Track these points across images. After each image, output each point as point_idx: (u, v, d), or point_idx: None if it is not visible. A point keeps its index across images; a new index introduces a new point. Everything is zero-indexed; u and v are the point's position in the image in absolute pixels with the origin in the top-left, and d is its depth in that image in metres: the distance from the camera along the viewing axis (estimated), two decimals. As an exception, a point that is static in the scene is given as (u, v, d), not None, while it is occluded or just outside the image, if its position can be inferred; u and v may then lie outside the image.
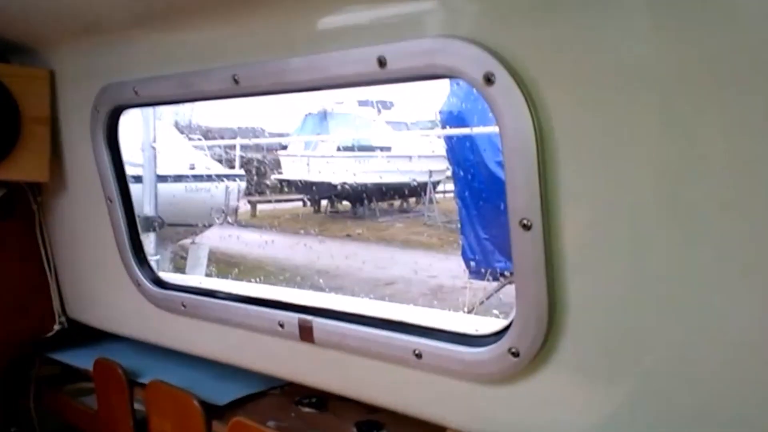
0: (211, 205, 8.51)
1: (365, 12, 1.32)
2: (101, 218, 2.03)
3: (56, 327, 2.36)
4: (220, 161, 10.05)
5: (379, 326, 1.52)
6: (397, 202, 12.21)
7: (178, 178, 8.14)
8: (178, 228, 7.84)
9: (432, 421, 1.50)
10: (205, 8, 1.51)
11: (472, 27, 1.16)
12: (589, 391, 1.24)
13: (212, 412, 1.83)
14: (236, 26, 1.53)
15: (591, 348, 1.21)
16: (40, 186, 2.27)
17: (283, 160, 12.30)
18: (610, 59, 1.05)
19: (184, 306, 1.92)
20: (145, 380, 2.01)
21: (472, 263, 6.79)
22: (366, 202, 11.45)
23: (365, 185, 10.99)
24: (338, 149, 11.86)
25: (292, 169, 12.08)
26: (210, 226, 8.55)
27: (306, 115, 12.34)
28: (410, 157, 11.01)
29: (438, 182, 11.10)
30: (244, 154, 10.75)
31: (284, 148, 12.41)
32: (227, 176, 9.21)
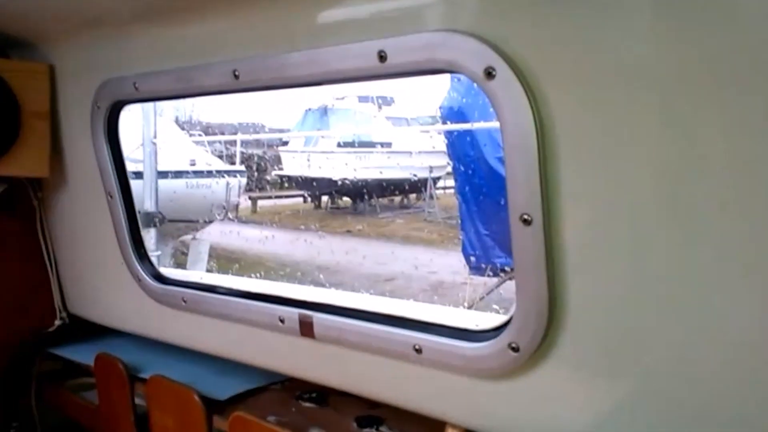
0: (211, 201, 8.52)
1: (365, 6, 1.31)
2: (102, 214, 2.03)
3: (57, 322, 2.36)
4: (220, 157, 10.06)
5: (380, 321, 1.52)
6: (397, 198, 12.22)
7: (179, 174, 8.14)
8: (178, 224, 7.85)
9: (432, 416, 1.51)
10: (205, 2, 1.51)
11: (472, 21, 1.16)
12: (589, 387, 1.24)
13: (213, 406, 1.83)
14: (236, 20, 1.52)
15: (591, 344, 1.22)
16: (40, 181, 2.27)
17: (283, 156, 12.31)
18: (611, 54, 1.04)
19: (184, 301, 1.92)
20: (145, 375, 2.01)
21: (473, 259, 6.79)
22: (366, 198, 11.45)
23: (366, 181, 10.99)
24: (338, 145, 11.85)
25: (293, 165, 12.09)
26: (211, 222, 8.57)
27: (306, 111, 12.33)
28: (410, 153, 11.01)
29: (438, 178, 11.10)
30: (244, 150, 10.76)
31: (285, 143, 12.41)
32: (228, 172, 9.21)
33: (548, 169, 1.14)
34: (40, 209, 2.31)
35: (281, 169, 12.18)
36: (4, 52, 2.08)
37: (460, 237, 6.99)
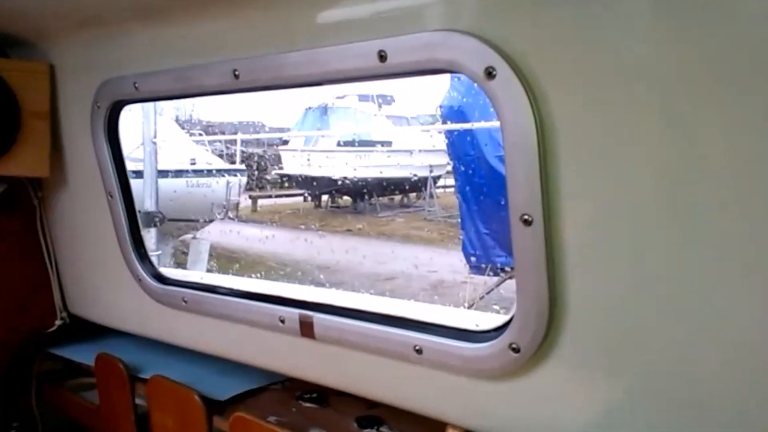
0: (212, 200, 8.52)
1: (365, 6, 1.31)
2: (102, 213, 2.03)
3: (57, 322, 2.36)
4: (221, 156, 10.06)
5: (380, 322, 1.52)
6: (397, 197, 12.22)
7: (179, 173, 8.15)
8: (179, 223, 7.86)
9: (432, 416, 1.51)
10: (206, 2, 1.51)
11: (473, 21, 1.16)
12: (590, 387, 1.24)
13: (213, 407, 1.83)
14: (236, 20, 1.52)
15: (591, 344, 1.21)
16: (40, 181, 2.26)
17: (283, 155, 12.31)
18: (611, 54, 1.04)
19: (185, 301, 1.92)
20: (146, 375, 2.01)
21: (473, 258, 6.80)
22: (366, 197, 11.46)
23: (366, 180, 10.99)
24: (339, 144, 11.85)
25: (293, 164, 12.09)
26: (211, 221, 8.57)
27: (306, 110, 12.34)
28: (411, 152, 11.01)
29: (438, 177, 11.10)
30: (244, 149, 10.76)
31: (285, 143, 12.41)
32: (228, 171, 9.22)
33: (548, 169, 1.13)
34: (41, 209, 2.31)
35: (281, 168, 12.18)
36: (4, 52, 2.08)
37: (461, 236, 7.00)
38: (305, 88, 1.54)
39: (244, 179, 9.94)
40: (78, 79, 1.96)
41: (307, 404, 1.85)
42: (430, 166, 10.81)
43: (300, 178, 11.73)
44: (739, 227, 1.00)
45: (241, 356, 1.91)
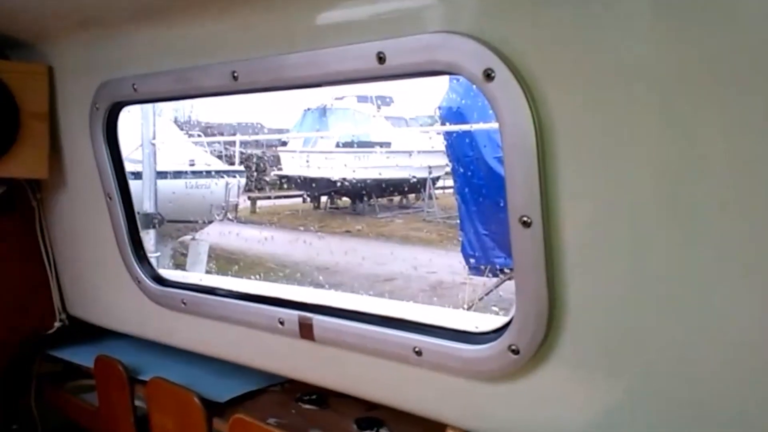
0: (210, 201, 8.52)
1: (364, 8, 1.31)
2: (101, 215, 2.03)
3: (57, 324, 2.36)
4: (219, 157, 10.06)
5: (379, 324, 1.52)
6: (396, 198, 12.22)
7: (178, 175, 8.14)
8: (178, 224, 7.85)
9: (432, 418, 1.51)
10: (204, 3, 1.51)
11: (471, 23, 1.16)
12: (589, 388, 1.24)
13: (213, 409, 1.83)
14: (235, 22, 1.52)
15: (591, 346, 1.21)
16: (39, 182, 2.26)
17: (282, 156, 12.30)
18: (610, 56, 1.04)
19: (184, 303, 1.92)
20: (145, 377, 2.01)
21: (472, 259, 6.80)
22: (365, 198, 11.46)
23: (365, 181, 10.99)
24: (337, 145, 11.85)
25: (292, 165, 12.08)
26: (210, 222, 8.56)
27: (305, 111, 12.33)
28: (410, 153, 11.00)
29: (437, 178, 11.10)
30: (243, 150, 10.76)
31: (284, 144, 12.40)
32: (227, 172, 9.21)
33: (547, 170, 1.13)
34: (40, 210, 2.31)
35: (280, 169, 12.17)
36: (3, 53, 2.08)
37: (460, 237, 7.00)
38: (304, 89, 1.54)
39: (243, 180, 9.93)
40: (77, 80, 1.96)
41: (307, 406, 1.85)
42: (429, 167, 10.81)
43: (299, 180, 11.72)
44: (739, 227, 1.00)
45: (240, 358, 1.91)
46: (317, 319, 1.62)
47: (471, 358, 1.35)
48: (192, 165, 8.59)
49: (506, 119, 1.14)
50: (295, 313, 1.66)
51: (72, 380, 2.38)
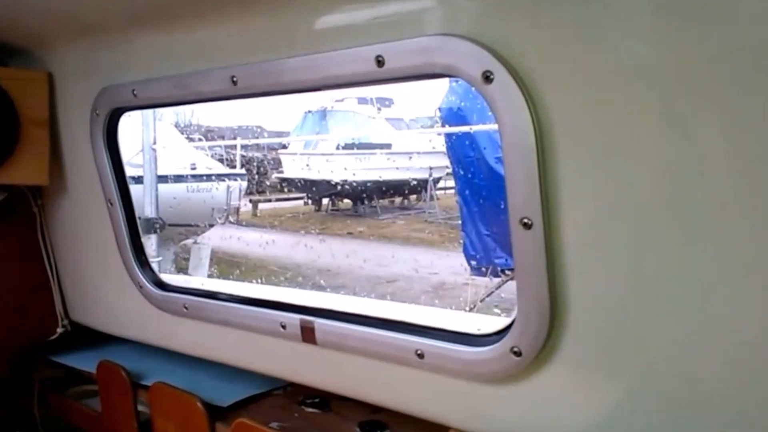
0: (212, 205, 8.52)
1: (363, 11, 1.31)
2: (102, 221, 2.03)
3: (59, 330, 2.36)
4: (221, 161, 10.06)
5: (381, 326, 1.52)
6: (398, 200, 12.21)
7: (179, 178, 8.15)
8: (179, 228, 7.85)
9: (435, 420, 1.50)
10: (203, 9, 1.51)
11: (470, 25, 1.16)
12: (592, 389, 1.24)
13: (215, 413, 1.83)
14: (234, 26, 1.52)
15: (593, 347, 1.21)
16: (40, 189, 2.26)
17: (283, 159, 12.29)
18: (610, 56, 1.04)
19: (186, 308, 1.92)
20: (148, 382, 2.01)
21: (474, 260, 6.79)
22: (367, 200, 11.45)
23: (365, 183, 10.99)
24: (338, 147, 11.85)
25: (293, 168, 12.08)
26: (212, 226, 8.57)
27: (306, 113, 12.33)
28: (410, 155, 11.00)
29: (439, 179, 11.09)
30: (244, 154, 10.76)
31: (285, 147, 12.40)
32: (228, 176, 9.21)
33: (548, 171, 1.13)
34: (41, 217, 2.31)
35: (281, 172, 12.17)
36: (2, 61, 2.08)
37: (461, 239, 6.99)
38: (304, 93, 1.54)
39: (245, 183, 9.94)
40: (77, 86, 1.96)
41: (310, 409, 1.84)
42: (430, 169, 10.80)
43: (300, 182, 11.72)
44: (739, 227, 1.00)
45: (242, 362, 1.91)
46: (319, 322, 1.61)
47: (473, 360, 1.35)
48: (193, 169, 8.59)
49: (505, 121, 1.14)
50: (297, 317, 1.65)
51: (74, 386, 2.38)
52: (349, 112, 12.45)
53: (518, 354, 1.26)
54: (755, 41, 0.92)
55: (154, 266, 2.09)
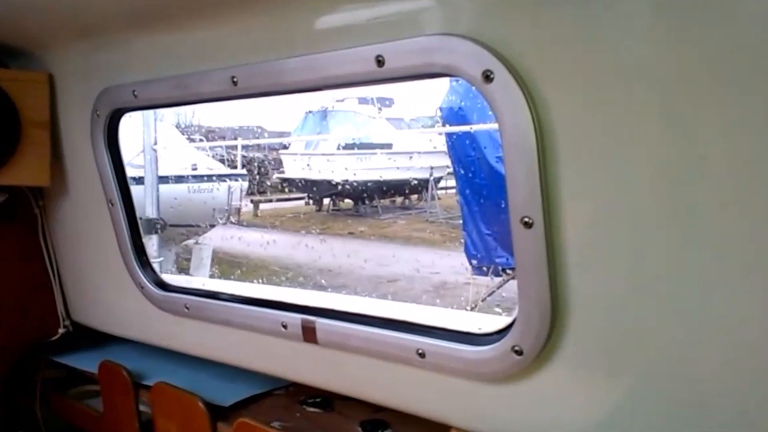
0: (213, 205, 8.53)
1: (363, 11, 1.31)
2: (103, 221, 2.04)
3: (61, 330, 2.36)
4: (222, 161, 10.07)
5: (382, 326, 1.52)
6: (399, 199, 12.22)
7: (180, 179, 8.15)
8: (181, 229, 7.86)
9: (436, 420, 1.50)
10: (203, 9, 1.51)
11: (470, 24, 1.16)
12: (593, 389, 1.24)
13: (217, 413, 1.83)
14: (234, 27, 1.52)
15: (594, 346, 1.21)
16: (41, 190, 2.27)
17: (284, 159, 12.31)
18: (610, 56, 1.04)
19: (187, 308, 1.92)
20: (150, 382, 2.01)
21: (475, 260, 6.79)
22: (368, 199, 11.46)
23: (366, 183, 10.99)
24: (339, 147, 11.85)
25: (294, 168, 12.09)
26: (213, 226, 8.58)
27: (306, 113, 12.34)
28: (411, 154, 11.00)
29: (440, 178, 11.09)
30: (245, 154, 10.77)
31: (285, 147, 12.41)
32: (229, 176, 9.22)
33: (548, 171, 1.13)
34: (42, 218, 2.32)
35: (282, 172, 12.18)
36: (3, 62, 2.08)
37: (462, 238, 6.99)
38: (304, 93, 1.54)
39: (246, 184, 9.94)
40: (77, 87, 1.96)
41: (312, 409, 1.85)
42: (431, 168, 10.81)
43: (301, 182, 11.73)
44: (739, 227, 1.00)
45: (244, 362, 1.91)
46: (320, 322, 1.62)
47: (474, 360, 1.35)
48: (194, 169, 8.60)
49: (506, 120, 1.14)
50: (298, 317, 1.66)
51: (76, 386, 2.38)
52: (350, 112, 12.46)
53: (519, 353, 1.26)
54: (755, 41, 0.92)
55: (156, 267, 2.09)
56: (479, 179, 6.37)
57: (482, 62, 1.13)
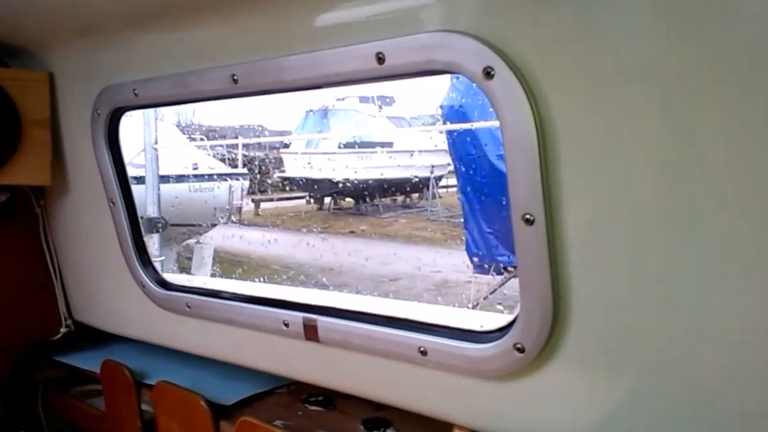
0: (214, 204, 8.53)
1: (363, 8, 1.31)
2: (104, 220, 2.04)
3: (63, 330, 2.37)
4: (223, 160, 10.07)
5: (384, 324, 1.52)
6: (399, 198, 12.22)
7: (181, 178, 8.16)
8: (182, 228, 7.87)
9: (438, 417, 1.50)
10: (203, 8, 1.51)
11: (471, 21, 1.16)
12: (594, 387, 1.24)
13: (219, 411, 1.83)
14: (234, 25, 1.52)
15: (596, 343, 1.21)
16: (42, 189, 2.27)
17: (285, 158, 12.30)
18: (611, 53, 1.04)
19: (188, 307, 1.92)
20: (151, 381, 2.01)
21: (476, 258, 6.79)
22: (369, 198, 11.45)
23: (367, 182, 10.99)
24: (340, 146, 11.85)
25: (295, 167, 12.08)
26: (214, 225, 8.58)
27: (307, 112, 12.33)
28: (412, 153, 11.00)
29: (441, 177, 11.09)
30: (246, 153, 10.76)
31: (286, 146, 12.40)
32: (230, 175, 9.22)
33: (549, 168, 1.13)
34: (43, 217, 2.32)
35: (283, 171, 12.18)
36: (3, 61, 2.08)
37: (464, 236, 6.99)
38: (305, 91, 1.54)
39: (247, 183, 9.94)
40: (78, 86, 1.96)
41: (313, 407, 1.85)
42: (432, 167, 10.80)
43: (302, 181, 11.73)
44: (739, 227, 1.00)
45: (245, 360, 1.91)
46: (322, 320, 1.62)
47: (476, 357, 1.35)
48: (195, 168, 8.60)
49: (507, 117, 1.14)
50: (300, 315, 1.66)
51: (78, 385, 2.39)
52: (351, 111, 12.45)
53: (521, 350, 1.26)
54: (755, 41, 0.92)
55: (157, 266, 2.09)
56: (480, 177, 6.37)
57: (483, 59, 1.13)
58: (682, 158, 1.02)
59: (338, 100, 12.21)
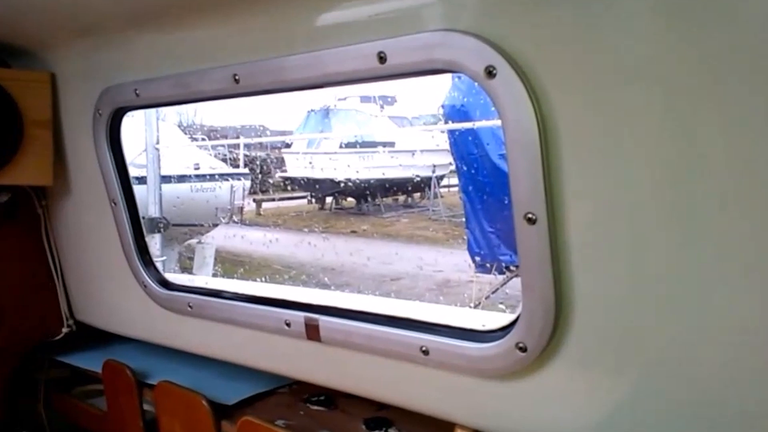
0: (216, 204, 8.53)
1: (364, 8, 1.31)
2: (106, 220, 2.04)
3: (64, 330, 2.37)
4: (224, 160, 10.07)
5: (386, 323, 1.52)
6: (401, 197, 12.20)
7: (183, 179, 8.16)
8: (183, 228, 7.87)
9: (440, 417, 1.50)
10: (204, 8, 1.51)
11: (472, 20, 1.15)
12: (595, 386, 1.24)
13: (221, 411, 1.84)
14: (235, 25, 1.52)
15: (597, 343, 1.21)
16: (44, 189, 2.27)
17: (287, 158, 12.29)
18: (611, 53, 1.04)
19: (190, 307, 1.92)
20: (153, 381, 2.02)
21: (478, 257, 6.78)
22: (370, 198, 11.44)
23: (369, 181, 10.98)
24: (341, 146, 11.84)
25: (296, 167, 12.08)
26: (216, 225, 8.58)
27: (308, 112, 12.32)
28: (413, 152, 10.99)
29: (442, 176, 11.08)
30: (248, 153, 10.76)
31: (288, 146, 12.40)
32: (231, 175, 9.22)
33: (551, 167, 1.13)
34: (45, 217, 2.32)
35: (285, 171, 12.18)
36: (5, 62, 2.08)
37: (465, 236, 6.98)
38: (306, 91, 1.54)
39: (248, 183, 9.94)
40: (79, 87, 1.96)
41: (315, 407, 1.85)
42: (433, 166, 10.79)
43: (303, 181, 11.73)
44: (739, 227, 1.00)
45: (247, 360, 1.91)
46: (323, 320, 1.61)
47: (478, 357, 1.35)
48: (197, 168, 8.61)
49: (509, 116, 1.14)
50: (301, 315, 1.66)
51: (80, 385, 2.39)
52: (352, 111, 12.44)
53: (523, 349, 1.26)
54: (755, 41, 0.92)
55: (159, 266, 2.09)
56: (482, 177, 6.36)
57: (484, 58, 1.13)
58: (682, 158, 1.02)
59: (340, 99, 12.19)
